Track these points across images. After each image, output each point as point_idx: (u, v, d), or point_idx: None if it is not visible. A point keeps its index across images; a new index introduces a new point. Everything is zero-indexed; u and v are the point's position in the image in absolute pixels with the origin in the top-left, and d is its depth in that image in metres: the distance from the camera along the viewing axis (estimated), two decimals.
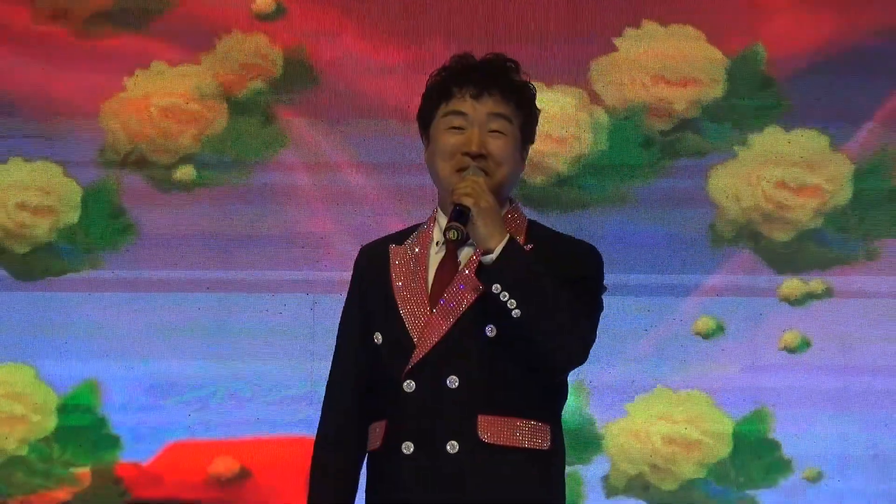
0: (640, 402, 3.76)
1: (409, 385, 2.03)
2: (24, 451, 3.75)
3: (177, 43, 3.80)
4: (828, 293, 3.74)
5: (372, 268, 2.15)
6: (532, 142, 2.11)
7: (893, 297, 3.76)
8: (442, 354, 2.03)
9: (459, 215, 1.95)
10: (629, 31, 3.80)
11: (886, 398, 3.73)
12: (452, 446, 2.02)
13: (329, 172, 3.84)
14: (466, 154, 2.03)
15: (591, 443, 3.75)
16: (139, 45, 3.79)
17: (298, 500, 3.18)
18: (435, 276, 2.07)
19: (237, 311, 3.77)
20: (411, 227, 2.17)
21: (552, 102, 3.63)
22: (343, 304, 2.18)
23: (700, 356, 3.79)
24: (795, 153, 3.76)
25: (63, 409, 3.77)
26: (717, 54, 3.80)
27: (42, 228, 3.79)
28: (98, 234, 3.78)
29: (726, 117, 3.79)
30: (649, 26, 3.80)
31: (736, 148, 3.76)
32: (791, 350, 3.76)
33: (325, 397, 2.17)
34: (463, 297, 2.02)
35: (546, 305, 1.96)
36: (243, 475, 3.73)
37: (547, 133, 3.60)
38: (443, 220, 2.06)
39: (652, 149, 3.80)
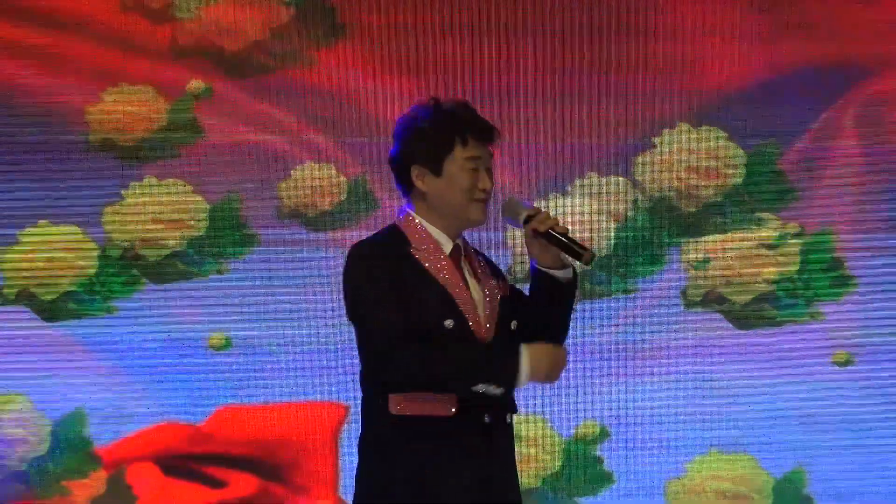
0: (696, 462, 4.44)
1: None
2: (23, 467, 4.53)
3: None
4: None
5: (401, 263, 2.52)
6: None
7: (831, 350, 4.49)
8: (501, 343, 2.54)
9: (572, 240, 2.49)
10: (666, 132, 4.57)
11: None
12: (509, 417, 2.56)
13: None
14: (486, 189, 2.53)
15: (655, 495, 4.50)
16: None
17: (327, 458, 4.48)
18: (457, 279, 2.54)
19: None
20: (390, 234, 2.58)
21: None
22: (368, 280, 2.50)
23: (740, 418, 4.49)
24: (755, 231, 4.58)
25: (55, 432, 4.51)
26: (738, 150, 4.57)
27: (66, 280, 4.53)
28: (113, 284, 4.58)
29: (745, 203, 4.54)
30: (683, 127, 4.56)
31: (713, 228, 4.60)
32: None
33: (388, 338, 2.44)
34: (495, 302, 2.56)
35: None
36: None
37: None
38: (442, 238, 2.54)
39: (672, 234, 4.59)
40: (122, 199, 4.57)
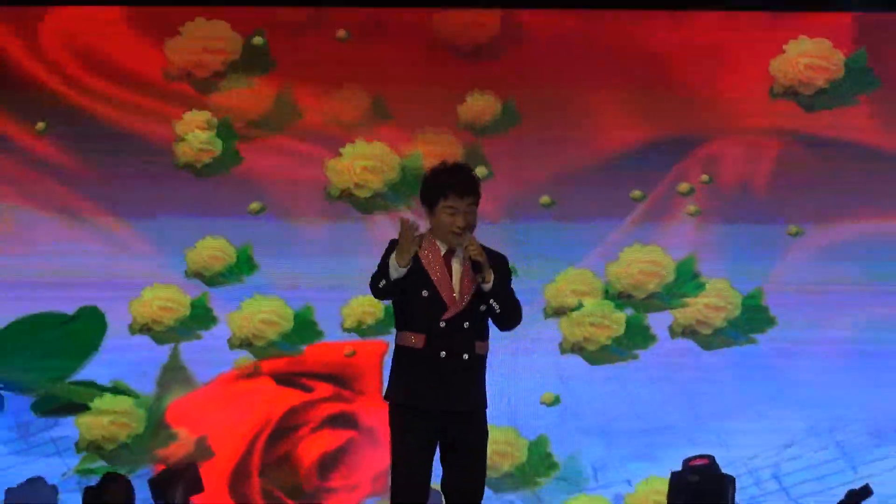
0: (642, 483, 6.79)
1: (443, 324, 3.91)
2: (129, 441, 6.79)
3: None
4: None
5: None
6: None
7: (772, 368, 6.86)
8: (463, 314, 3.92)
9: (478, 266, 3.86)
10: (627, 250, 6.93)
11: None
12: (465, 356, 3.95)
13: None
14: (458, 226, 3.89)
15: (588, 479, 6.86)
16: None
17: (375, 375, 6.75)
18: (446, 272, 3.94)
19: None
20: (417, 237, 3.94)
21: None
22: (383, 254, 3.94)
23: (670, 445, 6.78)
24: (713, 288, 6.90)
25: (148, 418, 6.80)
26: (669, 258, 6.90)
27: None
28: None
29: (675, 293, 6.91)
30: (636, 246, 6.94)
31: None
32: None
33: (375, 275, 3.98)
34: (469, 291, 3.93)
35: (509, 303, 3.97)
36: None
37: None
38: (440, 245, 3.95)
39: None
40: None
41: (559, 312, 6.87)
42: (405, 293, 3.95)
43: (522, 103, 6.88)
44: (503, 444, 6.74)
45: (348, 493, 6.81)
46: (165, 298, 6.80)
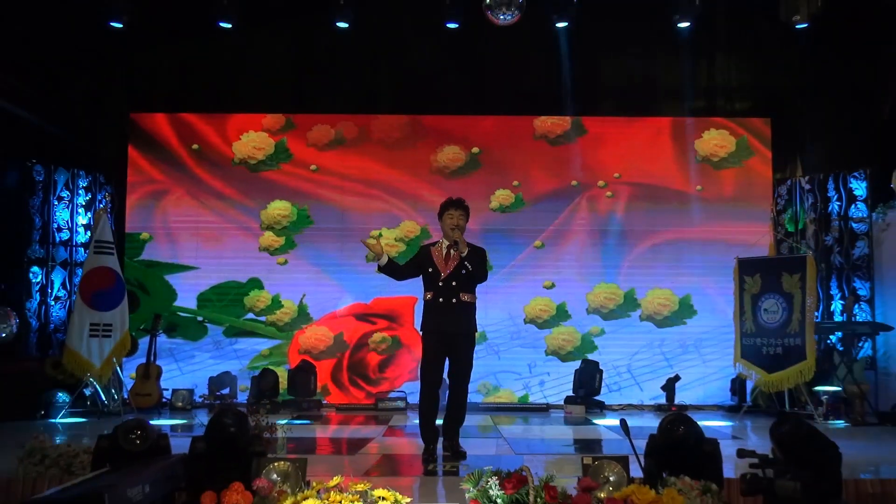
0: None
1: (440, 284, 6.74)
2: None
3: None
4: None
5: (424, 252, 6.99)
6: (467, 221, 6.94)
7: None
8: (451, 277, 6.74)
9: (456, 244, 6.78)
10: (598, 284, 11.72)
11: None
12: (455, 300, 6.72)
13: None
14: (454, 224, 6.85)
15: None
16: None
17: (410, 314, 11.52)
18: (444, 258, 6.81)
19: None
20: (433, 241, 7.07)
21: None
22: (412, 255, 7.10)
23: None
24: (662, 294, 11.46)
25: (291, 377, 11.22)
26: (620, 291, 11.62)
27: None
28: None
29: (624, 308, 11.58)
30: (602, 284, 11.70)
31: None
32: None
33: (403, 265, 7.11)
34: (454, 263, 6.79)
35: (478, 268, 6.79)
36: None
37: None
38: (444, 244, 6.83)
39: None
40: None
41: (531, 321, 11.14)
42: (420, 274, 6.75)
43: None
44: (504, 397, 11.30)
45: (394, 380, 11.25)
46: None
